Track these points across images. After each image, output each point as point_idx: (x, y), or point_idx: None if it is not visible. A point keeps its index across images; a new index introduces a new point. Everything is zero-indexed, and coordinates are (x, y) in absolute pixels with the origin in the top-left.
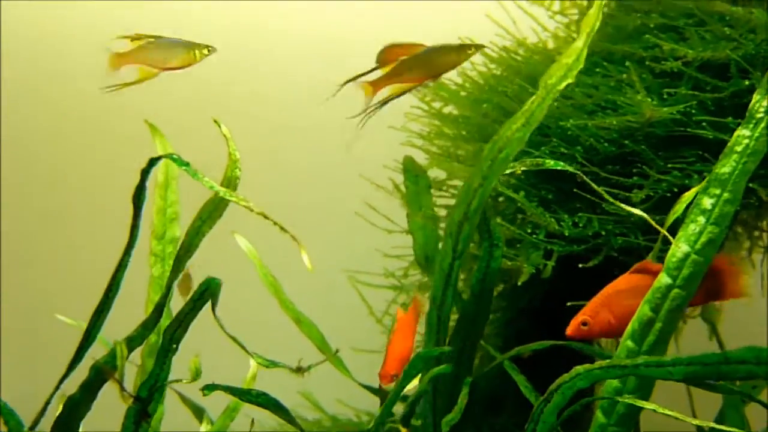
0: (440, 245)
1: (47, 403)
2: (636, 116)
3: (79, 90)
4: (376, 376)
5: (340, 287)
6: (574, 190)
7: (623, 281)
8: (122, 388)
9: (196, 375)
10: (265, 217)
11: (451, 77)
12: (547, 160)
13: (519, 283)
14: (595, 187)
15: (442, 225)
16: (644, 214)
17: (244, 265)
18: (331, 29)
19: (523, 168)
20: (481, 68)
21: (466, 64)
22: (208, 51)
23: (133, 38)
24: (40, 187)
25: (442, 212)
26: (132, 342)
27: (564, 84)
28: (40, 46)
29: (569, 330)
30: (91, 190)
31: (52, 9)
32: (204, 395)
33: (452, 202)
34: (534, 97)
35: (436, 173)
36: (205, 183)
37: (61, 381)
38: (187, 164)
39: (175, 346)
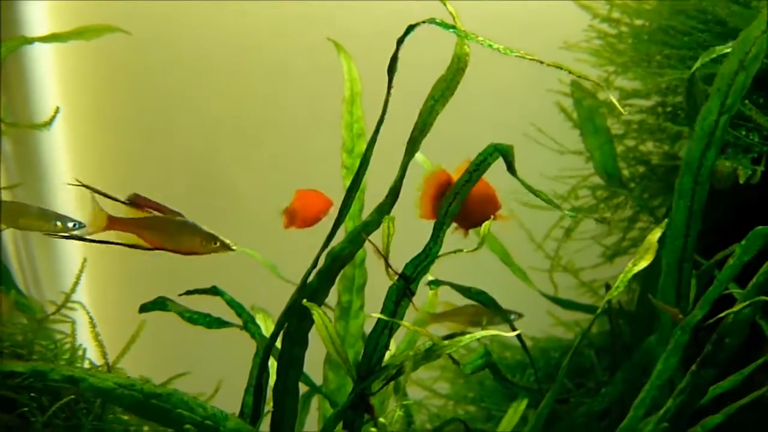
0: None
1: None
2: None
3: None
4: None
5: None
6: None
7: None
8: (387, 265)
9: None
10: None
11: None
12: None
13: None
14: None
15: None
16: None
17: None
18: None
19: None
20: None
21: None
22: None
23: None
24: None
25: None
26: (368, 226)
27: None
28: None
29: None
30: None
31: None
32: (431, 289)
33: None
34: None
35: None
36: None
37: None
38: (453, 26)
39: (449, 219)
